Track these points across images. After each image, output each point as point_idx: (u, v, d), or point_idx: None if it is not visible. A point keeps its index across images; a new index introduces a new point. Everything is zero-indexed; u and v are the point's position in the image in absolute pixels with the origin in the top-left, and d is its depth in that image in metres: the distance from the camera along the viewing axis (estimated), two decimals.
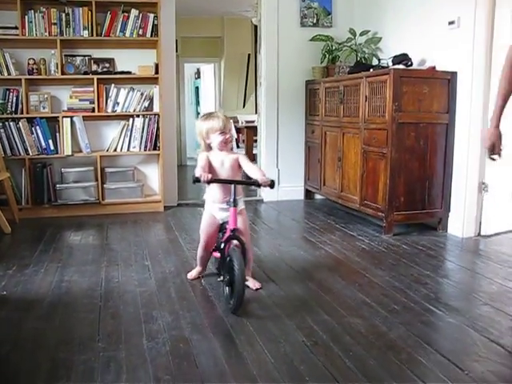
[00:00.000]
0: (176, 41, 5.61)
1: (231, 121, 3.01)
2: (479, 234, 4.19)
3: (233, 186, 2.80)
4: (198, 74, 11.24)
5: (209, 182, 2.71)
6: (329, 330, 2.46)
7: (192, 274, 3.23)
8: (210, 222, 3.01)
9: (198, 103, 11.37)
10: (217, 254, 3.00)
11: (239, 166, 2.93)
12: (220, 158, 2.90)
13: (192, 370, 2.10)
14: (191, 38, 9.68)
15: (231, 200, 2.78)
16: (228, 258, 2.70)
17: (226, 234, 2.82)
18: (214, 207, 2.97)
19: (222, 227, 3.00)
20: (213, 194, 2.96)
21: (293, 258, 3.65)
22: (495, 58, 3.96)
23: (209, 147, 2.92)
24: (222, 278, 2.85)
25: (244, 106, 10.00)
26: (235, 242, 2.76)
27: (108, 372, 2.08)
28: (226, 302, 2.76)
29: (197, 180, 2.69)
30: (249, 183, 2.92)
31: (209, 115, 2.94)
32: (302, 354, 2.23)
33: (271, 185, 2.79)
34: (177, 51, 9.07)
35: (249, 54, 9.71)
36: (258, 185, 2.81)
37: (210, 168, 2.87)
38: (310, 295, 2.92)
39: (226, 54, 9.84)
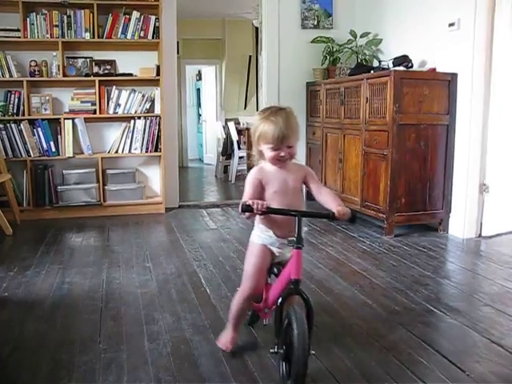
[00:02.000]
0: (177, 43, 5.63)
1: (297, 128, 2.04)
2: (480, 235, 4.19)
3: (297, 218, 1.95)
4: (199, 75, 11.25)
5: (264, 212, 1.93)
6: (331, 333, 2.46)
7: (227, 344, 2.27)
8: (262, 261, 2.13)
9: (199, 105, 11.38)
10: (258, 306, 2.31)
11: (302, 185, 2.15)
12: (277, 175, 2.06)
13: (193, 371, 2.10)
14: (192, 39, 9.70)
15: (294, 238, 1.93)
16: (286, 322, 1.93)
17: (278, 284, 2.08)
18: (274, 241, 2.11)
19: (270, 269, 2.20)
20: (266, 227, 2.10)
21: None
22: (495, 60, 3.97)
23: (261, 154, 2.08)
24: (275, 349, 1.99)
25: (245, 108, 10.01)
26: (296, 298, 2.00)
27: (109, 373, 2.08)
28: (280, 381, 2.00)
29: (247, 209, 1.90)
30: (320, 216, 2.12)
31: (268, 114, 2.01)
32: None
33: (352, 219, 1.99)
34: (178, 53, 9.12)
35: (250, 56, 9.72)
36: (333, 218, 1.99)
37: (262, 189, 2.06)
38: (311, 296, 2.90)
39: (227, 56, 9.85)
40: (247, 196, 2.02)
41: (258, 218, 2.11)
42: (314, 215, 2.14)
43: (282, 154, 1.99)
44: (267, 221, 2.09)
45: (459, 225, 4.20)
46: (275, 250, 2.12)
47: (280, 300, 1.97)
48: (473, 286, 3.15)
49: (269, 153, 2.00)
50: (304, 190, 2.18)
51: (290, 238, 1.94)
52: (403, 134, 4.09)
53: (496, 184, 4.14)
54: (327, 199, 2.06)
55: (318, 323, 2.54)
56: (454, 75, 4.17)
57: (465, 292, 3.03)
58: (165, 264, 3.56)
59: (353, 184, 4.70)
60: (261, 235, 2.13)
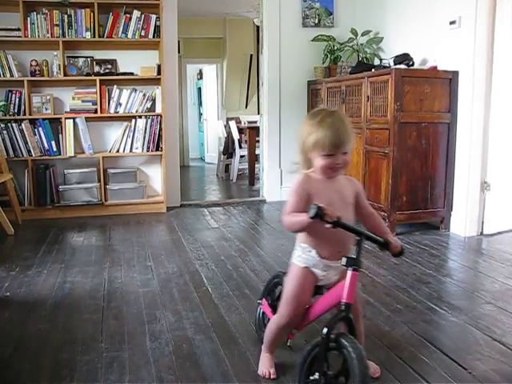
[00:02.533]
0: (178, 42, 5.62)
1: (352, 132, 1.82)
2: (482, 233, 4.19)
3: (359, 239, 1.77)
4: (200, 74, 11.25)
5: (335, 224, 1.67)
6: None
7: (269, 370, 2.05)
8: (303, 286, 1.89)
9: (200, 104, 11.38)
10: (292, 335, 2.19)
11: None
12: (328, 187, 1.83)
13: (195, 370, 2.10)
14: (193, 38, 9.70)
15: (352, 257, 1.75)
16: (340, 350, 1.69)
17: (321, 305, 1.92)
18: (317, 262, 1.87)
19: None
20: (310, 246, 1.87)
21: None
22: (496, 58, 3.96)
23: (309, 162, 1.83)
24: (315, 376, 1.73)
25: (246, 107, 10.01)
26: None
27: (111, 372, 2.08)
28: None
29: (317, 214, 1.63)
30: (378, 241, 1.82)
31: (322, 118, 1.78)
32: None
33: (401, 252, 1.84)
34: (179, 52, 9.12)
35: (251, 55, 9.71)
36: (387, 248, 1.83)
37: (308, 202, 1.75)
38: None
39: (228, 55, 9.85)
40: (292, 208, 1.78)
41: (300, 235, 1.88)
42: (374, 239, 1.80)
43: (338, 161, 1.77)
44: (312, 238, 1.85)
45: (461, 223, 4.20)
46: (319, 272, 1.88)
47: (326, 330, 1.71)
48: (474, 284, 3.15)
49: (321, 161, 1.77)
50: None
51: (345, 257, 1.74)
52: (404, 132, 4.08)
53: (497, 182, 4.14)
54: (379, 226, 1.91)
55: (320, 321, 2.54)
56: (456, 73, 4.16)
57: (466, 290, 3.03)
58: (166, 263, 3.56)
59: None
60: (302, 255, 1.89)
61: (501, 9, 3.93)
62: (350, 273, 1.74)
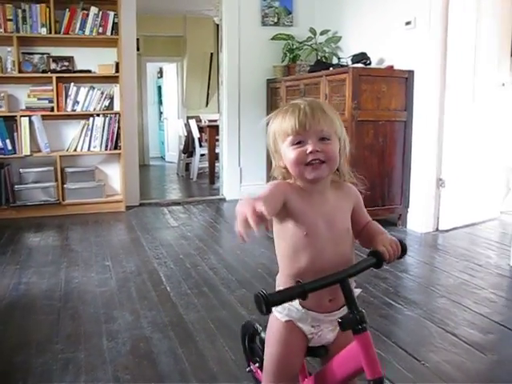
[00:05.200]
0: (137, 39, 5.57)
1: (331, 112, 1.31)
2: (437, 229, 4.28)
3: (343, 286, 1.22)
4: (160, 73, 11.16)
5: (302, 296, 1.15)
6: None
7: None
8: (291, 346, 1.36)
9: (160, 102, 11.29)
10: None
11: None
12: (313, 204, 1.31)
13: (152, 369, 2.09)
14: (153, 36, 9.61)
15: (346, 318, 1.21)
16: None
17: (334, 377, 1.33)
18: (302, 315, 1.34)
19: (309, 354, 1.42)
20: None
21: (253, 255, 3.65)
22: (450, 57, 4.05)
23: (285, 172, 1.34)
24: None
25: (207, 105, 9.98)
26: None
27: (66, 374, 2.06)
28: None
29: (262, 301, 1.12)
30: (369, 266, 1.26)
31: (288, 105, 1.33)
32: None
33: (403, 251, 1.30)
34: (138, 50, 9.03)
35: (211, 53, 9.69)
36: (380, 263, 1.26)
37: (284, 218, 1.31)
38: (271, 291, 2.93)
39: (188, 53, 9.80)
40: (261, 195, 1.21)
41: (279, 275, 1.40)
42: (361, 269, 1.24)
43: (310, 149, 1.24)
44: (292, 281, 1.28)
45: (417, 219, 4.28)
46: (307, 329, 1.35)
47: None
48: (430, 279, 3.21)
49: (290, 154, 1.27)
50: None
51: (340, 318, 1.21)
52: (362, 130, 4.14)
53: (452, 179, 4.23)
54: (372, 233, 1.36)
55: None
56: (411, 72, 4.24)
57: (422, 285, 3.09)
58: (125, 262, 3.52)
59: None
60: (282, 308, 1.34)
61: (453, 10, 4.01)
62: (355, 338, 1.20)
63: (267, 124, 1.36)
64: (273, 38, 5.56)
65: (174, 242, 4.07)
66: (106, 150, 5.20)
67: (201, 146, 7.48)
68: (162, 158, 10.87)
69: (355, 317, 1.19)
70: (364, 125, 4.14)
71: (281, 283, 1.37)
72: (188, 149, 7.75)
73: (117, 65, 5.13)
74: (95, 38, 5.07)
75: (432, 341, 2.31)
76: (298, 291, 1.14)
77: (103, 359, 2.17)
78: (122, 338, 2.36)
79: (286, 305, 1.32)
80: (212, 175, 7.08)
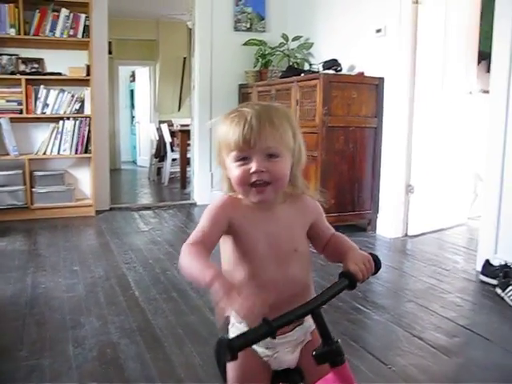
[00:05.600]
0: (110, 43, 5.53)
1: (284, 123, 1.17)
2: (406, 235, 4.33)
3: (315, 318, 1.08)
4: (133, 76, 11.10)
5: (271, 335, 0.96)
6: None
7: None
8: (249, 372, 1.23)
9: (132, 106, 11.22)
10: None
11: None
12: (266, 224, 1.21)
13: (119, 375, 2.07)
14: (126, 40, 9.57)
15: (321, 351, 1.06)
16: None
17: None
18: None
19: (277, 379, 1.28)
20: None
21: None
22: (419, 65, 4.11)
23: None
24: None
25: (179, 110, 9.96)
26: None
27: (30, 381, 2.02)
28: None
29: (225, 350, 0.93)
30: (341, 288, 1.12)
31: (236, 110, 1.18)
32: None
33: (377, 266, 1.18)
34: (111, 53, 8.95)
35: (184, 58, 9.67)
36: (353, 284, 1.12)
37: (231, 241, 1.21)
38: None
39: (161, 57, 9.77)
40: (198, 234, 1.15)
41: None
42: (333, 295, 1.10)
43: (253, 168, 1.12)
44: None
45: (386, 225, 4.33)
46: (261, 351, 1.24)
47: None
48: (398, 284, 3.25)
49: (233, 172, 1.15)
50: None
51: (314, 351, 1.06)
52: (332, 136, 4.17)
53: (420, 185, 4.28)
54: (340, 247, 1.25)
55: None
56: (381, 79, 4.29)
57: (391, 289, 3.12)
58: (93, 267, 3.48)
59: None
60: (235, 325, 1.25)
61: (422, 19, 4.08)
62: (334, 372, 1.05)
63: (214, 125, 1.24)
64: (245, 44, 5.58)
65: (144, 246, 4.04)
66: (76, 153, 5.14)
67: (172, 150, 7.46)
68: (134, 162, 10.80)
69: (331, 348, 1.06)
70: (334, 131, 4.18)
71: None
72: (160, 153, 7.71)
73: (88, 68, 5.08)
74: (66, 41, 5.02)
75: (399, 345, 2.34)
76: (264, 331, 0.96)
77: (69, 366, 2.14)
78: (89, 344, 2.33)
79: (236, 324, 1.23)
80: (183, 180, 7.05)
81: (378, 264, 1.18)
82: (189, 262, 1.09)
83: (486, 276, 3.19)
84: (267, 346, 1.23)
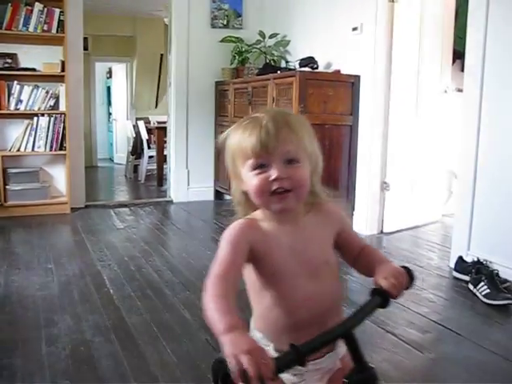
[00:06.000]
0: (86, 39, 5.47)
1: (301, 128, 1.10)
2: (382, 232, 4.36)
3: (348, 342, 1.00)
4: (109, 73, 10.99)
5: (300, 363, 0.87)
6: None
7: None
8: None
9: (109, 103, 11.12)
10: None
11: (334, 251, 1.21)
12: (284, 237, 1.13)
13: (92, 373, 2.06)
14: (103, 36, 9.46)
15: (354, 376, 0.99)
16: None
17: None
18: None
19: None
20: (275, 333, 1.14)
21: (199, 257, 3.64)
22: (395, 64, 4.14)
23: (246, 198, 1.15)
24: None
25: (156, 107, 9.89)
26: None
27: (1, 381, 1.99)
28: None
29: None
30: (373, 310, 1.05)
31: (250, 118, 1.13)
32: (204, 352, 2.23)
33: (411, 278, 1.11)
34: (87, 49, 8.87)
35: (162, 54, 9.61)
36: (387, 302, 1.06)
37: (254, 265, 1.12)
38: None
39: (138, 54, 9.69)
40: (221, 266, 1.03)
41: (254, 312, 1.18)
42: (366, 315, 1.03)
43: (274, 175, 1.05)
44: (269, 322, 1.14)
45: (362, 222, 4.35)
46: (285, 377, 1.12)
47: None
48: (372, 281, 3.26)
49: (251, 182, 1.07)
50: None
51: (346, 378, 0.98)
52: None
53: (396, 182, 4.32)
54: (372, 260, 1.17)
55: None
56: (357, 77, 4.31)
57: (365, 286, 3.13)
58: (67, 265, 3.45)
59: None
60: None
61: (398, 18, 4.11)
62: None
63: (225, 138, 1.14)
64: (222, 41, 5.56)
65: (119, 244, 4.01)
66: (50, 150, 5.07)
67: (149, 147, 7.41)
68: (111, 159, 10.70)
69: (365, 375, 0.97)
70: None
71: (255, 326, 1.17)
72: (136, 150, 7.66)
73: (62, 64, 5.01)
74: (40, 36, 4.94)
75: (372, 341, 2.36)
76: (291, 358, 0.86)
77: (41, 365, 2.12)
78: (62, 343, 2.31)
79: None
80: (160, 177, 7.01)
81: (411, 276, 1.10)
82: (208, 305, 0.96)
83: (459, 272, 3.23)
84: (294, 373, 1.12)
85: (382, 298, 1.04)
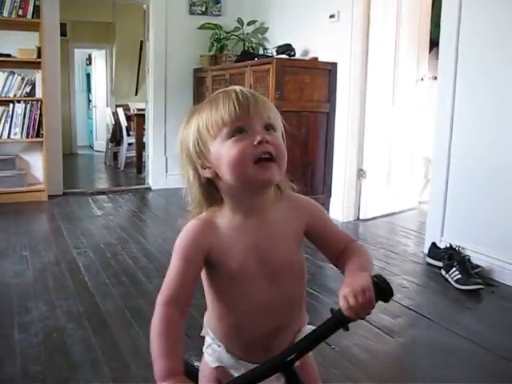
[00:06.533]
0: (65, 25, 5.41)
1: (269, 104, 1.01)
2: (358, 218, 4.40)
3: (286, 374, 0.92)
4: (89, 60, 10.88)
5: None
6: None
7: None
8: None
9: (89, 90, 11.01)
10: None
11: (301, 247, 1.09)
12: (244, 235, 1.00)
13: (64, 359, 2.06)
14: (81, 22, 9.33)
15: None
16: None
17: None
18: (233, 363, 1.05)
19: None
20: (226, 334, 1.06)
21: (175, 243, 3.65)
22: (372, 51, 4.16)
23: (209, 196, 1.02)
24: None
25: (136, 94, 9.81)
26: None
27: None
28: None
29: None
30: (324, 336, 0.92)
31: (212, 97, 1.01)
32: None
33: (382, 294, 0.90)
34: (66, 35, 8.77)
35: (141, 41, 9.51)
36: (346, 322, 0.91)
37: (208, 271, 1.03)
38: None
39: (117, 40, 9.59)
40: (170, 284, 0.96)
41: (208, 309, 1.09)
42: (315, 342, 0.91)
43: (258, 137, 0.93)
44: (219, 330, 1.06)
45: (339, 209, 4.38)
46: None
47: None
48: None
49: (230, 150, 0.93)
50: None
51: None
52: (285, 120, 4.09)
53: (372, 169, 4.35)
54: (343, 266, 1.01)
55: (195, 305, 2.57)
56: (334, 64, 4.32)
57: (340, 272, 3.17)
58: (43, 252, 3.43)
59: None
60: (212, 346, 1.07)
61: (375, 6, 4.12)
62: None
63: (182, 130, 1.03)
64: (200, 27, 5.53)
65: (96, 231, 4.00)
66: (27, 137, 5.03)
67: (129, 134, 7.37)
68: (91, 146, 10.62)
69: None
70: (287, 115, 4.12)
71: (209, 325, 1.10)
72: (116, 138, 7.61)
73: (39, 50, 4.95)
74: (14, 21, 4.87)
75: None
76: None
77: (12, 351, 2.11)
78: (35, 329, 2.31)
79: (214, 346, 1.06)
80: (139, 164, 6.98)
81: (382, 291, 0.89)
82: (152, 341, 0.91)
83: (433, 258, 3.28)
84: None
85: (337, 319, 0.90)
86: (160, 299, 0.95)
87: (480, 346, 2.23)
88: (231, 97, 0.95)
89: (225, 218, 1.00)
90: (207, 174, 0.98)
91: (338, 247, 1.05)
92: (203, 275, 1.03)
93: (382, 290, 0.89)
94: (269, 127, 0.96)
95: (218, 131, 0.94)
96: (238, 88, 0.98)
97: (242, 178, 0.94)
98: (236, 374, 1.02)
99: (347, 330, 0.90)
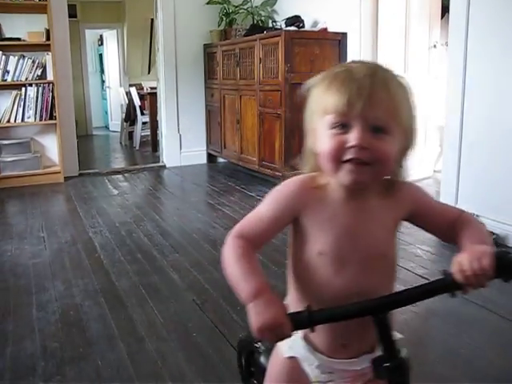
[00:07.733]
0: (74, 6, 5.39)
1: (402, 100, 0.91)
2: None
3: (377, 323, 0.88)
4: (100, 40, 10.86)
5: (310, 324, 0.83)
6: (219, 287, 2.51)
7: None
8: None
9: (102, 71, 11.02)
10: None
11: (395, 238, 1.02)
12: (341, 215, 0.95)
13: (80, 336, 2.10)
14: (91, 2, 9.32)
15: (381, 362, 0.88)
16: None
17: None
18: (308, 356, 1.00)
19: None
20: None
21: (190, 220, 3.68)
22: (382, 18, 4.10)
23: (314, 158, 0.96)
24: None
25: (149, 72, 9.79)
26: None
27: None
28: None
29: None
30: (426, 294, 0.89)
31: (337, 67, 0.94)
32: (191, 312, 2.28)
33: (502, 270, 0.82)
34: (76, 17, 8.76)
35: (152, 19, 9.46)
36: (456, 287, 0.84)
37: (296, 237, 0.99)
38: (203, 255, 2.98)
39: (128, 20, 9.56)
40: (256, 217, 0.96)
41: (290, 292, 1.03)
42: (423, 294, 0.90)
43: (352, 142, 0.86)
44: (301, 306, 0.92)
45: None
46: (313, 373, 1.01)
47: None
48: None
49: (324, 143, 0.90)
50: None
51: (373, 361, 0.89)
52: (296, 93, 4.16)
53: None
54: (458, 238, 0.95)
55: (209, 281, 2.60)
56: (344, 35, 4.27)
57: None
58: (60, 233, 3.48)
59: (250, 144, 4.76)
60: (292, 339, 0.92)
61: None
62: None
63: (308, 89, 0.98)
64: (208, 3, 5.48)
65: (112, 210, 4.04)
66: (40, 120, 5.07)
67: (142, 113, 7.39)
68: (106, 127, 10.67)
69: (395, 364, 0.86)
70: (298, 88, 4.14)
71: (290, 307, 0.96)
72: (130, 117, 7.64)
73: (47, 32, 4.96)
74: (22, 4, 4.87)
75: None
76: (300, 318, 0.81)
77: (31, 329, 2.16)
78: (52, 308, 2.36)
79: (293, 341, 0.98)
80: (154, 143, 7.00)
81: (503, 264, 0.81)
82: (230, 265, 0.90)
83: None
84: (324, 371, 0.99)
85: (447, 282, 0.85)
86: (232, 233, 0.94)
87: (496, 314, 2.22)
88: (346, 86, 0.87)
89: (328, 189, 0.95)
90: (316, 148, 0.94)
91: (446, 223, 0.99)
92: (291, 249, 1.00)
93: (503, 265, 0.81)
94: (376, 129, 0.87)
95: (323, 116, 0.90)
96: (361, 72, 0.89)
97: (331, 174, 0.91)
98: (307, 368, 1.00)
99: (453, 296, 0.86)
